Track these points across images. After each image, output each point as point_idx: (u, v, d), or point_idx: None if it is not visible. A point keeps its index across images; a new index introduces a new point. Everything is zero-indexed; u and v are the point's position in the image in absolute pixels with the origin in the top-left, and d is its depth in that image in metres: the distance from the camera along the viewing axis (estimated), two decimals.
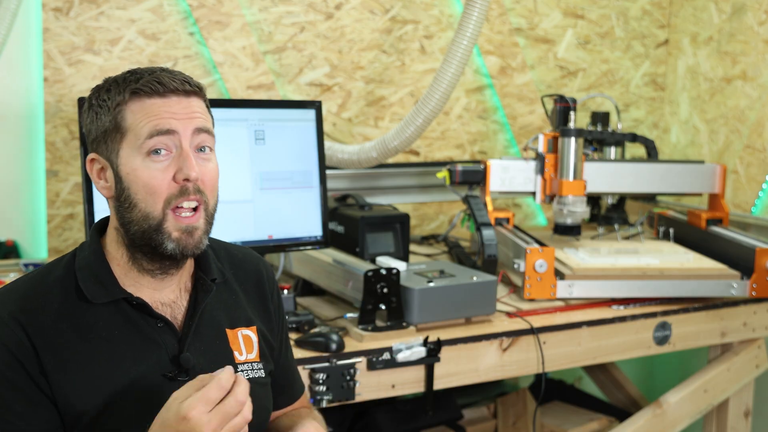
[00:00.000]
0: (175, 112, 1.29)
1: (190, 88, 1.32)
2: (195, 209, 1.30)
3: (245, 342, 1.44)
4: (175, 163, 1.28)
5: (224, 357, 1.39)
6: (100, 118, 1.31)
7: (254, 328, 1.46)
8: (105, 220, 1.38)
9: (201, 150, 1.32)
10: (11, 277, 2.17)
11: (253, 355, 1.44)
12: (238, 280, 1.49)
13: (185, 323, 1.36)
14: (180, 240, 1.29)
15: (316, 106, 2.19)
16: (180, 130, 1.29)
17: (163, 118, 1.28)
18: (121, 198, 1.30)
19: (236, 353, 1.41)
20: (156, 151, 1.28)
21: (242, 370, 1.41)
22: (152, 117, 1.28)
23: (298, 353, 1.85)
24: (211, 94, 2.75)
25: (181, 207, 1.29)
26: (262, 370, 1.45)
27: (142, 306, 1.32)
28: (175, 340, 1.34)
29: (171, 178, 1.28)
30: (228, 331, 1.42)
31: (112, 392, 1.27)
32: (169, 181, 1.28)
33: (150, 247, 1.30)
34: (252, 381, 1.39)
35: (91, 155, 1.34)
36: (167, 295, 1.37)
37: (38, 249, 2.59)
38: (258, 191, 2.10)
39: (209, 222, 1.34)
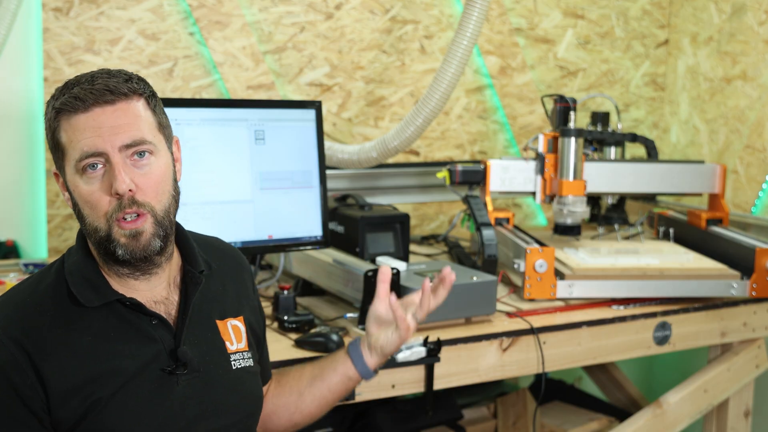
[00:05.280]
0: (100, 126, 1.26)
1: (112, 97, 1.27)
2: (138, 215, 1.28)
3: (234, 332, 1.46)
4: (107, 177, 1.27)
5: (217, 348, 1.41)
6: (47, 134, 1.31)
7: (241, 318, 1.48)
8: None
9: (140, 156, 1.29)
10: (11, 277, 2.18)
11: (242, 344, 1.46)
12: (222, 271, 1.50)
13: (179, 318, 1.38)
14: (128, 245, 1.28)
15: (316, 106, 2.19)
16: (106, 149, 1.26)
17: (89, 138, 1.25)
18: (75, 211, 1.31)
19: (227, 343, 1.43)
20: (92, 166, 1.26)
21: (234, 360, 1.43)
22: (79, 138, 1.26)
23: (298, 353, 1.85)
24: (211, 94, 2.75)
25: (124, 218, 1.28)
26: (251, 359, 1.47)
27: (135, 306, 1.33)
28: (171, 335, 1.35)
29: (108, 192, 1.27)
30: (218, 322, 1.44)
31: (114, 389, 1.27)
32: (106, 196, 1.27)
33: (108, 255, 1.30)
34: (242, 370, 1.43)
35: (53, 169, 1.34)
36: (159, 292, 1.38)
37: (38, 249, 2.59)
38: (258, 191, 2.10)
39: (161, 224, 1.31)
